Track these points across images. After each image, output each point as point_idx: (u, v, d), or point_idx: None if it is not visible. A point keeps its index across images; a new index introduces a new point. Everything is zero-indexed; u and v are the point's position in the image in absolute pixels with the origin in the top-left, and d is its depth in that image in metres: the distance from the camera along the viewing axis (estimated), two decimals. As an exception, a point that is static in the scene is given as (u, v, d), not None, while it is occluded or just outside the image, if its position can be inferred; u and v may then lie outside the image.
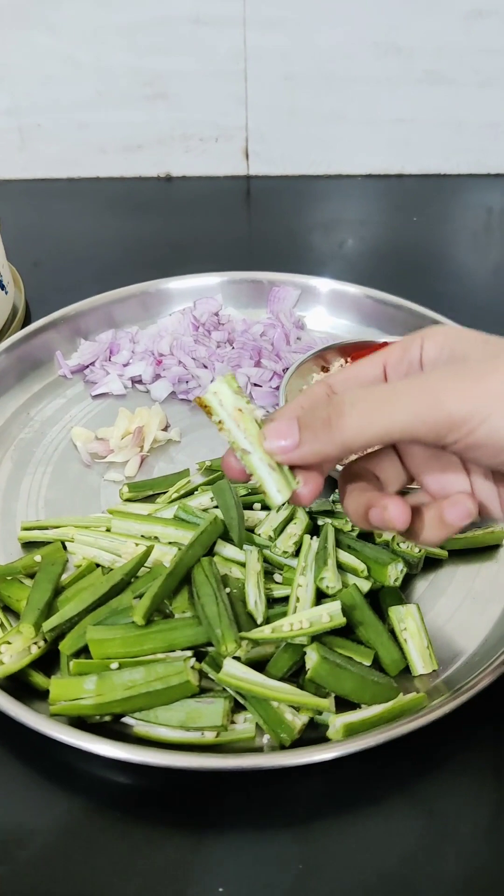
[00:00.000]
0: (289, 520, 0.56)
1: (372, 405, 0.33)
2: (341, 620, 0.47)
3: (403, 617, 0.51)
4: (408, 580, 0.55)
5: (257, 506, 0.59)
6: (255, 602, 0.51)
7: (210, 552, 0.54)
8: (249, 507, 0.59)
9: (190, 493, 0.62)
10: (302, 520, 0.55)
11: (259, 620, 0.50)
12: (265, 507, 0.59)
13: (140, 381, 0.74)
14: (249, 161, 1.13)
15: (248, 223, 1.11)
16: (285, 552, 0.53)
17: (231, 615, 0.47)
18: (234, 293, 0.83)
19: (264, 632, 0.48)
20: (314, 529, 0.56)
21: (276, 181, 1.14)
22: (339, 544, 0.54)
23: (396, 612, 0.51)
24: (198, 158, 1.13)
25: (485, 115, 1.05)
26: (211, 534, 0.53)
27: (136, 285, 0.81)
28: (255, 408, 0.36)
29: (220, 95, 1.06)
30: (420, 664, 0.50)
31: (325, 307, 0.82)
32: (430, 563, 0.57)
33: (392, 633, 0.51)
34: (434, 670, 0.50)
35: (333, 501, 0.58)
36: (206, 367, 0.74)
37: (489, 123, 1.06)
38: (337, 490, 0.56)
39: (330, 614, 0.47)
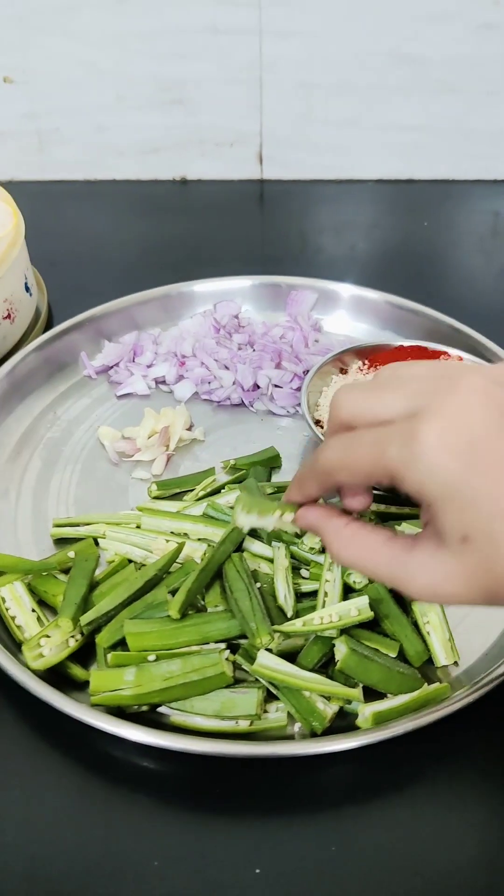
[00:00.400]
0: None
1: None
2: (369, 614, 0.49)
3: (426, 611, 0.53)
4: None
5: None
6: (284, 596, 0.53)
7: (239, 548, 0.56)
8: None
9: (217, 492, 0.64)
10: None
11: (289, 614, 0.52)
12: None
13: (164, 382, 0.76)
14: (263, 165, 1.15)
15: (261, 226, 1.13)
16: (312, 549, 0.55)
17: (264, 609, 0.50)
18: (253, 296, 0.85)
19: (296, 625, 0.50)
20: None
21: (288, 185, 1.16)
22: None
23: (420, 606, 0.53)
24: (213, 162, 1.14)
25: (493, 122, 1.07)
26: (240, 531, 0.55)
27: (157, 288, 0.83)
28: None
29: (236, 102, 1.08)
30: (442, 655, 0.52)
31: (343, 311, 0.84)
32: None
33: (416, 625, 0.53)
34: (455, 662, 0.52)
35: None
36: (227, 367, 0.76)
37: (497, 131, 1.08)
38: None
39: (358, 608, 0.49)
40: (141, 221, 1.09)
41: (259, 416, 0.74)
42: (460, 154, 1.11)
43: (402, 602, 0.54)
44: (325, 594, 0.52)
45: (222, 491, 0.63)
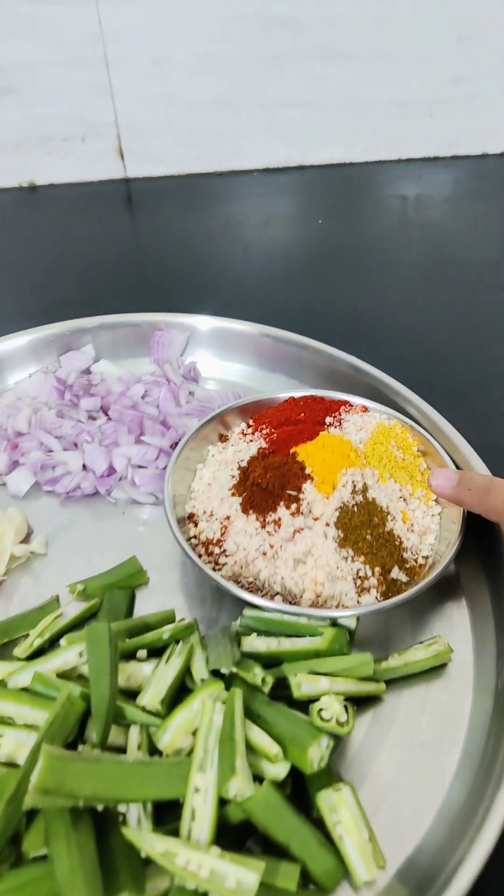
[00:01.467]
0: (181, 679, 0.43)
1: None
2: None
3: (336, 805, 0.39)
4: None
5: (142, 653, 0.46)
6: (137, 820, 0.38)
7: (74, 744, 0.41)
8: (133, 654, 0.46)
9: (62, 636, 0.48)
10: (209, 702, 0.41)
11: (143, 852, 0.37)
12: (154, 653, 0.46)
13: (-7, 474, 0.59)
14: (125, 161, 0.97)
15: (133, 234, 0.96)
16: (178, 750, 0.40)
17: (93, 867, 0.35)
18: (109, 342, 0.69)
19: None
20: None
21: (159, 183, 0.99)
22: (248, 713, 0.41)
23: (326, 800, 0.39)
24: (64, 162, 0.96)
25: (386, 91, 0.91)
26: (64, 723, 0.40)
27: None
28: None
29: (79, 86, 0.90)
30: (362, 869, 0.38)
31: (219, 350, 0.68)
32: (367, 703, 0.45)
33: (321, 822, 0.39)
34: (381, 867, 0.39)
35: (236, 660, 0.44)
36: (76, 445, 0.60)
37: (393, 102, 0.92)
38: (239, 647, 0.44)
39: (238, 881, 0.34)
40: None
41: (120, 507, 0.58)
42: (354, 132, 0.95)
43: (301, 784, 0.40)
44: (193, 813, 0.37)
45: (60, 644, 0.47)
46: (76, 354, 0.67)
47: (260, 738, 0.40)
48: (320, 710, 0.40)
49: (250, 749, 0.40)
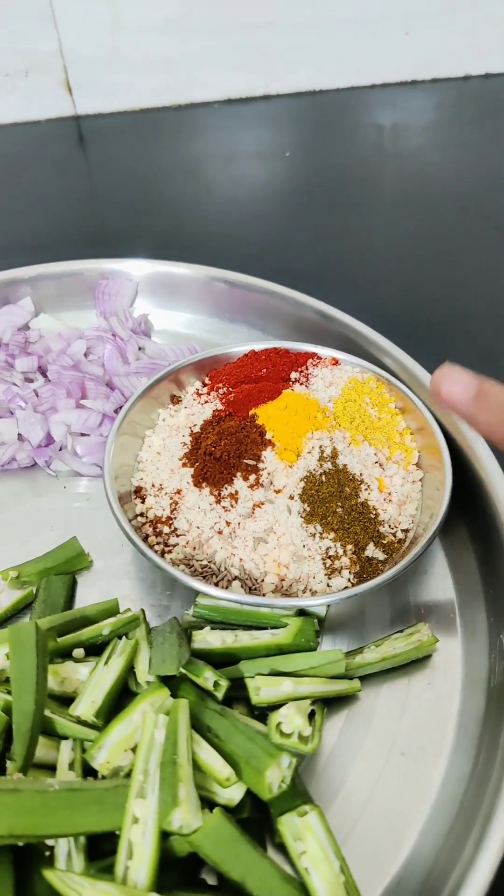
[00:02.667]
0: (122, 683, 0.37)
1: None
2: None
3: (300, 833, 0.33)
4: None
5: (79, 652, 0.40)
6: (67, 855, 0.32)
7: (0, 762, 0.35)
8: (68, 653, 0.40)
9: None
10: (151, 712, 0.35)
11: (70, 898, 0.31)
12: (93, 651, 0.40)
13: None
14: (74, 96, 0.88)
15: (87, 177, 0.87)
16: (115, 770, 0.34)
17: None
18: (51, 293, 0.61)
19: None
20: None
21: (112, 119, 0.90)
22: (197, 725, 0.35)
23: (290, 826, 0.33)
24: (6, 99, 0.87)
25: (356, 9, 0.82)
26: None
27: None
28: None
29: (17, 13, 0.80)
30: (333, 906, 0.32)
31: (172, 300, 0.61)
32: (339, 704, 0.39)
33: (283, 846, 0.33)
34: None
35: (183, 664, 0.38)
36: (11, 413, 0.53)
37: (364, 20, 0.83)
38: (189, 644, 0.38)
39: None
40: None
41: (61, 481, 0.51)
42: (322, 56, 0.86)
43: (263, 807, 0.34)
44: (130, 850, 0.31)
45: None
46: (12, 309, 0.59)
47: (209, 757, 0.34)
48: (279, 723, 0.34)
49: (199, 768, 0.34)
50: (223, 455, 0.44)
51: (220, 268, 0.60)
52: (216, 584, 0.41)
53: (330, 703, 0.39)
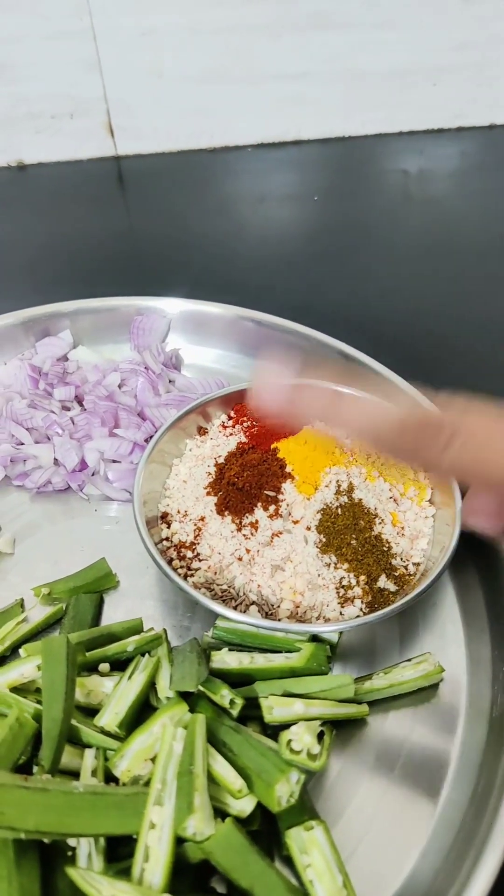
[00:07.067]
0: (144, 698, 0.40)
1: None
2: None
3: (306, 846, 0.35)
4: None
5: (105, 666, 0.42)
6: (88, 855, 0.34)
7: (29, 763, 0.37)
8: (95, 667, 0.42)
9: (24, 643, 0.45)
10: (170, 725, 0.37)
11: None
12: (117, 666, 0.42)
13: (-42, 469, 0.56)
14: (115, 138, 0.93)
15: (125, 214, 0.91)
16: (135, 778, 0.37)
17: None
18: (89, 326, 0.65)
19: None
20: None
21: (150, 160, 0.94)
22: (212, 739, 0.37)
23: (297, 839, 0.36)
24: (52, 140, 0.92)
25: (386, 61, 0.86)
26: (12, 746, 0.37)
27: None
28: None
29: (66, 61, 0.85)
30: (335, 919, 0.34)
31: (202, 336, 0.64)
32: (347, 727, 0.41)
33: (289, 859, 0.35)
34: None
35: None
36: (48, 438, 0.56)
37: (393, 72, 0.87)
38: (208, 663, 0.41)
39: None
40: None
41: (92, 504, 0.55)
42: (352, 104, 0.90)
43: (270, 817, 0.36)
44: (147, 853, 0.34)
45: (20, 654, 0.43)
46: (52, 340, 0.63)
47: (223, 769, 0.36)
48: (289, 740, 0.36)
49: (213, 780, 0.36)
50: (245, 486, 0.47)
51: (249, 305, 0.63)
52: (235, 608, 0.44)
53: (339, 727, 0.41)
